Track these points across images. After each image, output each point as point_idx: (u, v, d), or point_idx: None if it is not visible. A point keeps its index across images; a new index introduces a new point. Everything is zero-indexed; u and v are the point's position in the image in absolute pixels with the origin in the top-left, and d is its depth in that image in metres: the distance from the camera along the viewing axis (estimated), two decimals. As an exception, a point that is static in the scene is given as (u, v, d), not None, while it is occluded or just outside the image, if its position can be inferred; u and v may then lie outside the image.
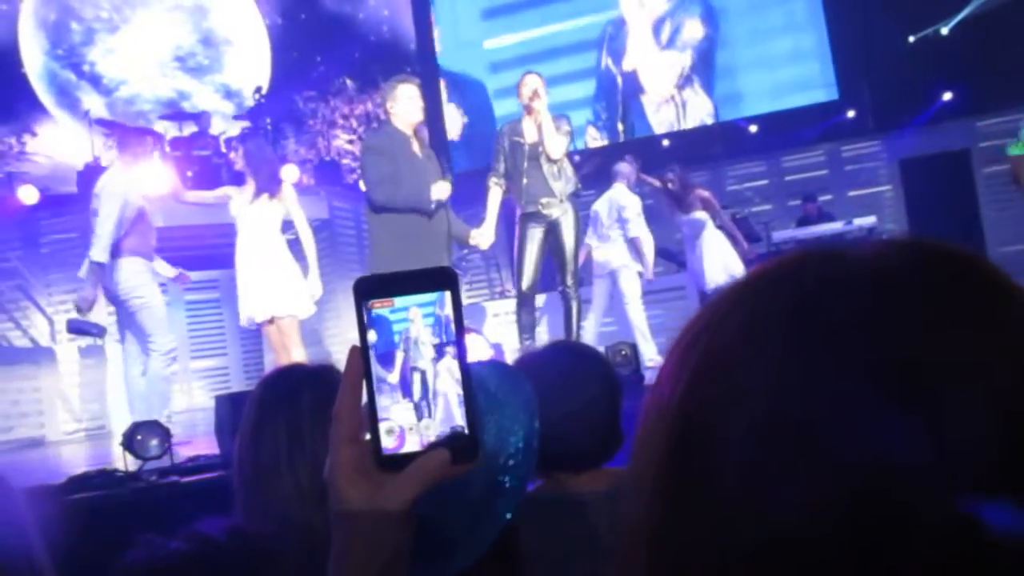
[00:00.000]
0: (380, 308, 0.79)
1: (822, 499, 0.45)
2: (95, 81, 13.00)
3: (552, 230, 6.13)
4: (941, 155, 12.13)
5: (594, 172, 11.62)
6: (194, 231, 10.07)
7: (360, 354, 0.78)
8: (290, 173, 10.63)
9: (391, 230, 5.69)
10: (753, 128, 13.04)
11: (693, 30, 13.74)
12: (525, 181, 6.02)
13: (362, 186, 6.32)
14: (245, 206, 6.79)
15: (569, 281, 6.16)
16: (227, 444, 4.10)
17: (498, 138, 6.29)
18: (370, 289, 0.79)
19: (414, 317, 0.78)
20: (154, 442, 4.30)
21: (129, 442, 4.28)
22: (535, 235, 6.11)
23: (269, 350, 7.59)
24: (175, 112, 12.00)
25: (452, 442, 0.77)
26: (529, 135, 6.09)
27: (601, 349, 6.15)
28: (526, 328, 6.07)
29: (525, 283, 6.12)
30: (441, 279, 0.79)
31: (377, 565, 0.75)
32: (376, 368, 0.77)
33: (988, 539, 0.43)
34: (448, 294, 0.79)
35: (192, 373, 10.99)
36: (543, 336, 8.06)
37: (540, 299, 7.46)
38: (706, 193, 8.73)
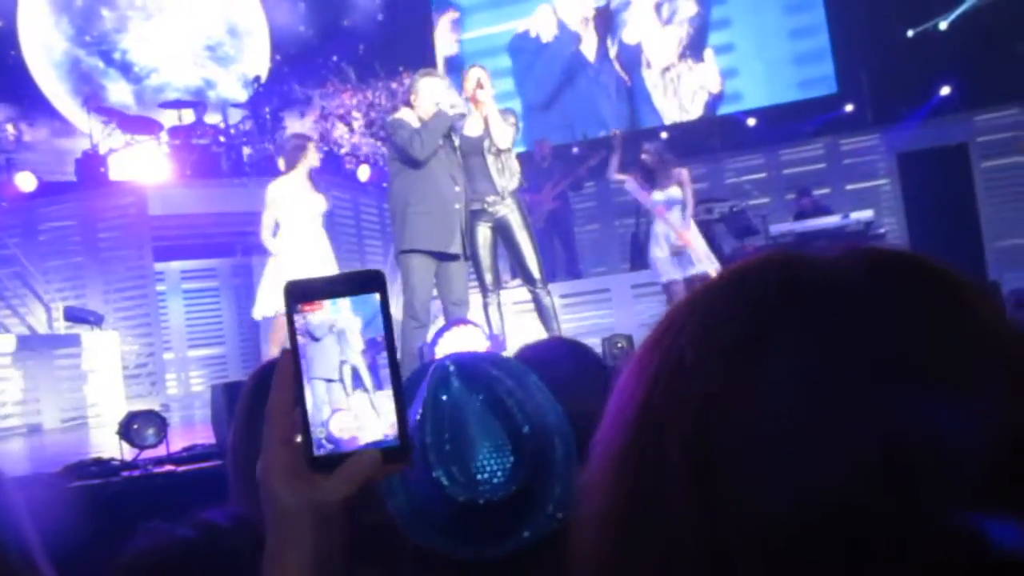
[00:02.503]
0: (310, 312, 0.79)
1: (773, 501, 0.47)
2: (125, 69, 12.95)
3: (500, 228, 6.09)
4: (939, 149, 12.13)
5: (599, 165, 11.63)
6: (192, 220, 10.07)
7: (291, 356, 0.78)
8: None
9: (410, 206, 5.83)
10: (752, 121, 13.05)
11: (687, 8, 13.91)
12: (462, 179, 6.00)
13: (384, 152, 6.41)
14: (295, 196, 6.83)
15: (536, 278, 6.11)
16: (223, 433, 4.11)
17: None
18: (300, 293, 0.79)
19: (342, 309, 0.79)
20: (150, 430, 4.31)
21: (125, 430, 4.29)
22: (483, 233, 6.08)
23: (266, 340, 7.59)
24: (173, 101, 11.97)
25: (384, 442, 0.78)
26: (471, 129, 6.06)
27: (597, 341, 6.16)
28: (495, 327, 6.04)
29: (486, 282, 6.11)
30: (370, 282, 0.79)
31: (310, 565, 0.75)
32: (311, 366, 0.78)
33: (991, 555, 0.44)
34: (377, 296, 0.79)
35: (189, 361, 10.99)
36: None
37: (507, 295, 7.37)
38: (684, 171, 8.24)
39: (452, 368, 1.19)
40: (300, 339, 0.79)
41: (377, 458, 0.77)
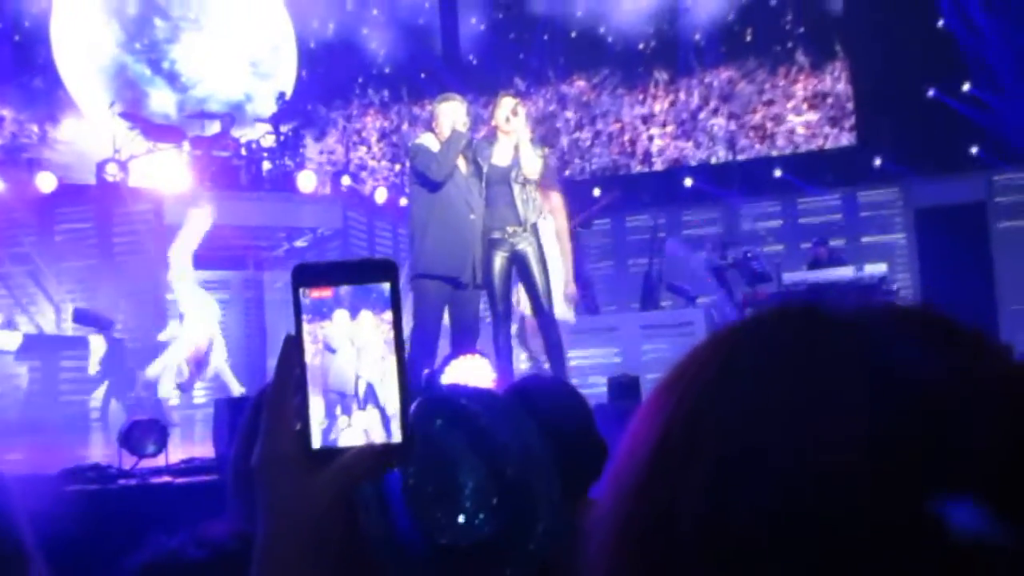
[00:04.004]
0: (318, 296, 0.77)
1: (794, 557, 0.46)
2: (172, 78, 13.12)
3: (517, 260, 6.07)
4: (957, 207, 12.12)
5: (612, 203, 11.65)
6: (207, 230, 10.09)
7: (294, 343, 0.76)
8: (306, 181, 10.68)
9: (426, 230, 5.86)
10: (776, 172, 13.05)
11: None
12: (486, 207, 5.99)
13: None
14: None
15: (547, 313, 6.09)
16: (222, 448, 4.10)
17: None
18: (307, 277, 0.77)
19: (363, 324, 0.77)
20: (150, 440, 4.29)
21: (126, 438, 4.27)
22: (499, 262, 6.05)
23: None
24: (200, 112, 12.07)
25: (384, 440, 0.77)
26: (500, 158, 6.06)
27: (603, 379, 6.13)
28: (504, 356, 6.02)
29: (498, 312, 6.09)
30: (381, 270, 0.77)
31: (304, 556, 0.74)
32: (325, 378, 0.77)
33: (952, 541, 0.44)
34: (387, 286, 0.77)
35: (194, 372, 10.98)
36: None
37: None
38: (557, 194, 7.03)
39: (434, 406, 1.18)
40: (315, 347, 0.77)
41: (376, 452, 0.76)
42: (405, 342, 0.78)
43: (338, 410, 0.78)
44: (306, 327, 0.77)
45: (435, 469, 1.13)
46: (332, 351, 0.78)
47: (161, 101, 12.89)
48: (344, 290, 0.77)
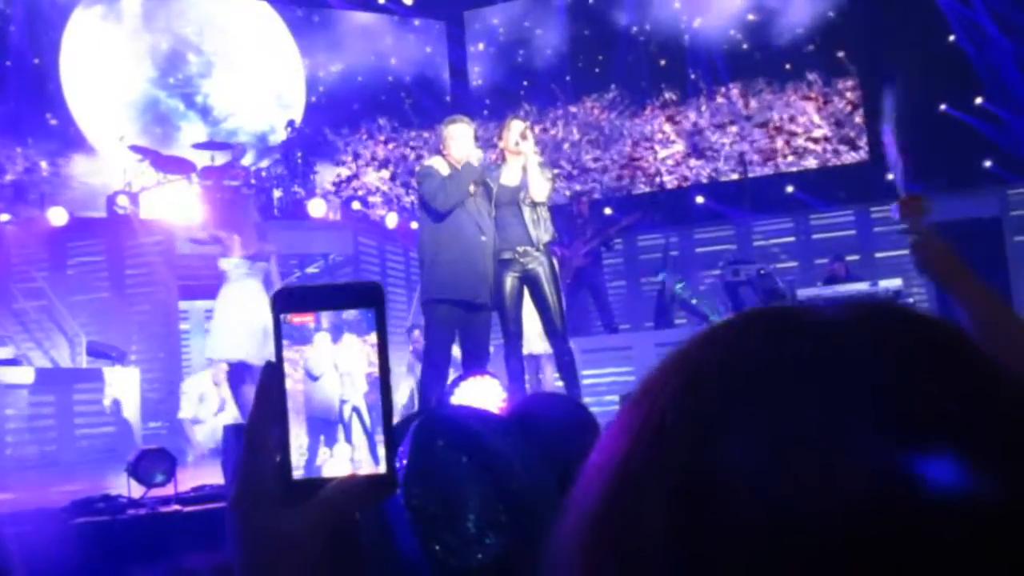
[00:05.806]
0: (300, 321, 0.73)
1: (763, 561, 0.44)
2: (205, 112, 13.37)
3: (528, 280, 6.04)
4: (972, 221, 12.03)
5: (629, 225, 11.63)
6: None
7: (274, 371, 0.72)
8: (317, 207, 10.71)
9: (438, 255, 5.83)
10: (788, 188, 13.03)
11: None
12: (496, 228, 5.97)
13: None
14: None
15: (560, 333, 6.04)
16: (230, 474, 4.08)
17: None
18: (290, 302, 0.73)
19: (346, 347, 0.73)
20: (159, 469, 4.28)
21: (134, 469, 4.26)
22: (510, 283, 6.01)
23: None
24: (210, 142, 12.14)
25: (369, 472, 0.72)
26: (509, 179, 6.04)
27: (616, 398, 6.09)
28: (516, 376, 5.97)
29: (510, 333, 6.04)
30: (367, 295, 0.73)
31: None
32: (308, 405, 0.73)
33: (923, 495, 0.42)
34: (373, 312, 0.72)
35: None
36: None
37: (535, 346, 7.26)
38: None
39: (435, 427, 1.14)
40: (296, 374, 0.73)
41: (360, 485, 0.71)
42: (392, 367, 0.73)
43: (322, 439, 0.74)
44: (287, 353, 0.73)
45: (439, 489, 1.11)
46: (315, 378, 0.75)
47: (192, 134, 13.04)
48: (327, 314, 0.74)
